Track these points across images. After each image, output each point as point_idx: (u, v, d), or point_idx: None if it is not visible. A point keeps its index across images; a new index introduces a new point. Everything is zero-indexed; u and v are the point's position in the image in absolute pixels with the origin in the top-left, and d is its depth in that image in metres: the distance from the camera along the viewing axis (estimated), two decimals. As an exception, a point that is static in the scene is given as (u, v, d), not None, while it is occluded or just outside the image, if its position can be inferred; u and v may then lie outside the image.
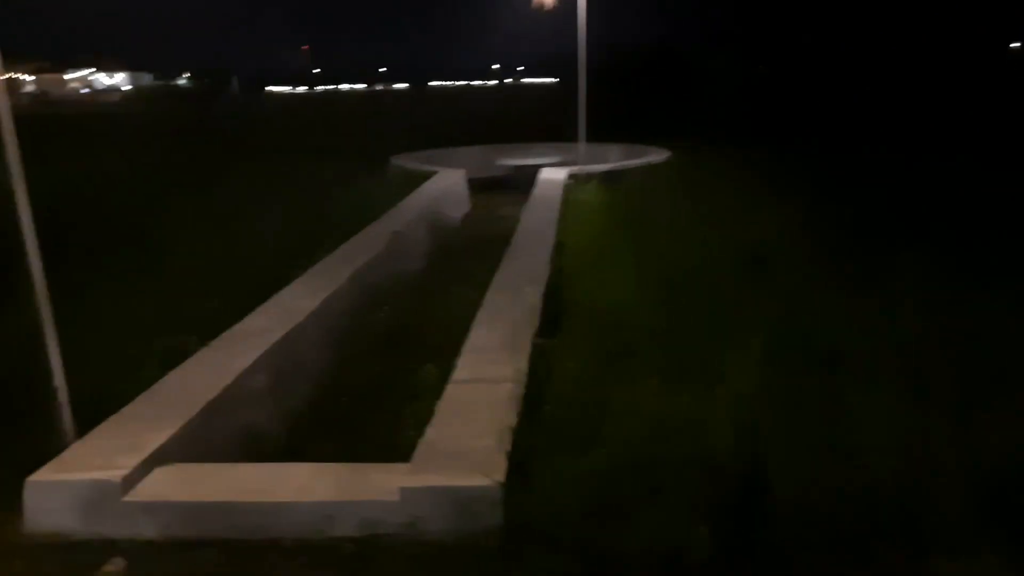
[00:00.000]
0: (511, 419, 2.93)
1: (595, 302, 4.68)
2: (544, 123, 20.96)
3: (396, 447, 3.19)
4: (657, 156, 10.90)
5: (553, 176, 9.51)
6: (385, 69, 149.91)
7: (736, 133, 15.78)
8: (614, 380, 3.31)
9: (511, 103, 39.63)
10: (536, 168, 11.12)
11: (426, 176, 9.81)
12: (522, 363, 3.53)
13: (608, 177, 9.70)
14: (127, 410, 3.12)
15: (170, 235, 6.54)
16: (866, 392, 3.01)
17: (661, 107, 20.51)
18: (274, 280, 5.20)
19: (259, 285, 5.07)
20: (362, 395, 3.99)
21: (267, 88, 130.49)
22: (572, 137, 15.44)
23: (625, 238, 6.41)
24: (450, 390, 3.30)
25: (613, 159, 12.00)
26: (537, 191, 8.41)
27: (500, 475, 2.52)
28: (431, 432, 2.91)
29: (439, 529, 2.47)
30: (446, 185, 8.94)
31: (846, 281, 4.90)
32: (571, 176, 9.70)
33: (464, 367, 3.56)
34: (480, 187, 11.39)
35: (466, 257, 6.74)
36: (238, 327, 4.07)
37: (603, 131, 13.61)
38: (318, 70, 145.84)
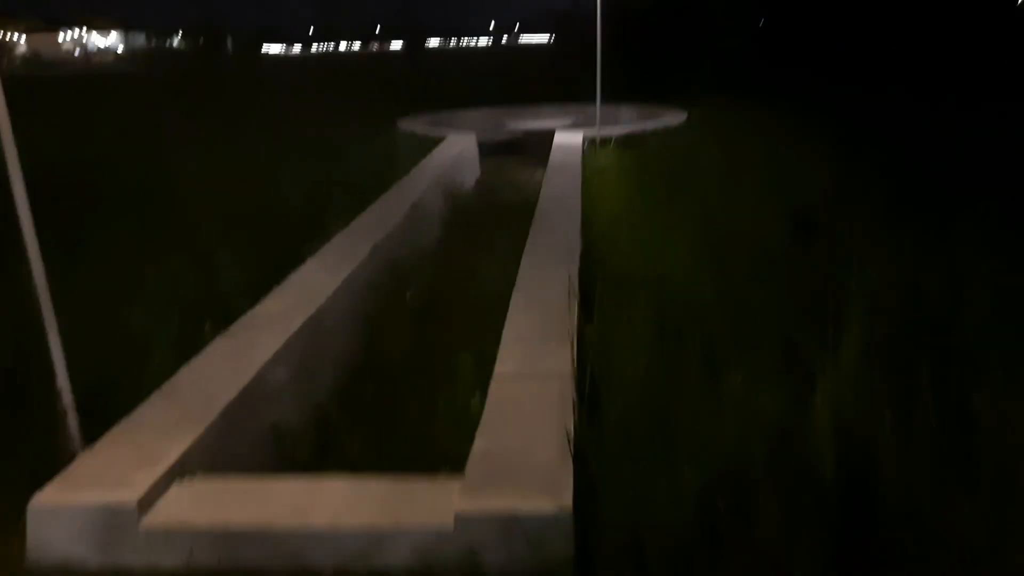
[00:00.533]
0: (570, 423, 2.61)
1: (638, 278, 4.35)
2: (547, 82, 20.52)
3: (437, 447, 2.90)
4: (674, 117, 10.49)
5: (568, 140, 9.12)
6: (380, 28, 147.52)
7: (749, 88, 15.35)
8: (679, 373, 2.99)
9: (512, 62, 38.86)
10: (547, 132, 10.72)
11: (435, 141, 9.41)
12: (570, 353, 3.21)
13: (626, 141, 9.30)
14: (139, 413, 2.81)
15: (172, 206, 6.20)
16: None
17: (667, 63, 19.95)
18: (287, 254, 4.89)
19: (272, 260, 4.76)
20: (395, 386, 3.67)
21: (264, 46, 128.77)
22: (577, 97, 15.05)
23: (657, 206, 6.06)
24: (496, 388, 2.99)
25: (627, 121, 11.58)
26: (554, 157, 8.03)
27: (568, 496, 2.21)
28: (482, 440, 2.59)
29: (500, 561, 2.16)
30: (457, 151, 8.53)
31: (913, 245, 4.57)
32: (587, 140, 9.31)
33: (507, 358, 3.23)
34: (489, 151, 10.99)
35: (487, 227, 6.38)
36: (256, 311, 3.74)
37: (606, 89, 13.18)
38: (313, 28, 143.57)
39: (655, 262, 4.66)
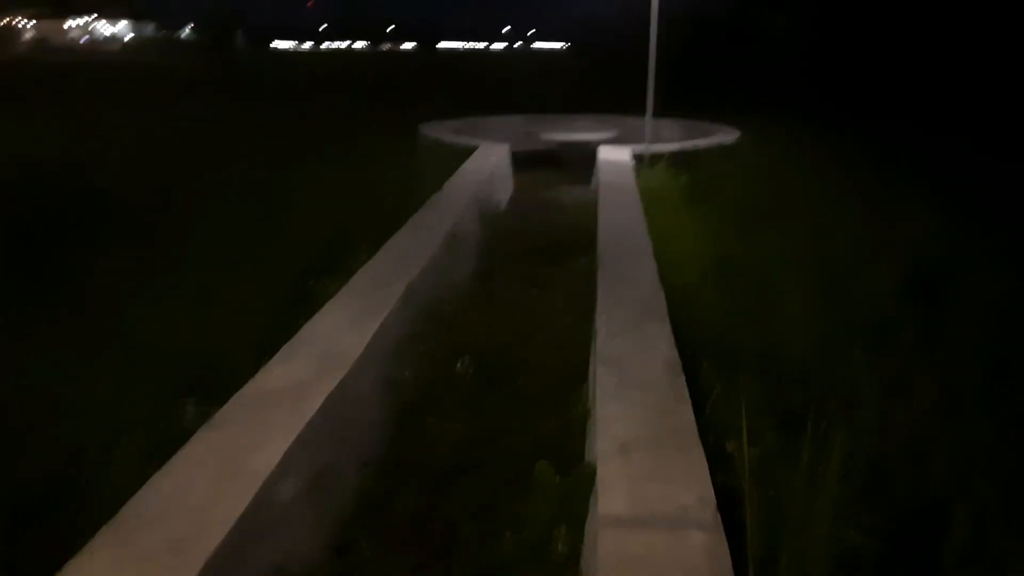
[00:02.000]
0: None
1: (748, 351, 3.40)
2: (570, 92, 19.60)
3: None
4: (726, 135, 9.52)
5: (615, 157, 8.15)
6: (393, 27, 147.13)
7: (799, 106, 14.41)
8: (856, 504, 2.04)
9: (528, 69, 38.01)
10: (586, 144, 9.76)
11: (465, 151, 8.45)
12: (704, 476, 2.26)
13: (679, 159, 8.34)
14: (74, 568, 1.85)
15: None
16: None
17: (711, 76, 19.04)
18: (298, 294, 3.94)
19: (279, 302, 3.81)
20: (443, 499, 2.72)
21: (274, 43, 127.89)
22: (600, 107, 14.11)
23: (740, 245, 5.11)
24: (606, 541, 2.02)
25: (673, 137, 10.63)
26: (603, 176, 7.06)
27: None
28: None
29: None
30: (492, 163, 7.57)
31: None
32: (635, 156, 8.36)
33: (611, 487, 2.26)
34: (521, 163, 10.06)
35: (540, 261, 5.43)
36: (254, 384, 2.78)
37: (635, 101, 12.20)
38: (325, 26, 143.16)
39: (763, 327, 3.71)
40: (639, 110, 11.48)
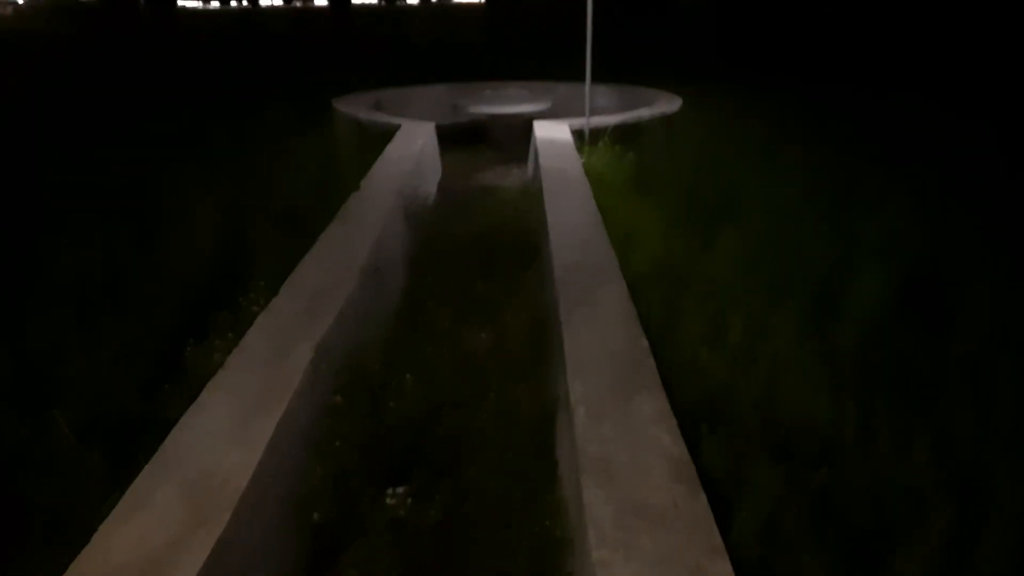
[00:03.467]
0: None
1: (750, 405, 2.69)
2: (492, 52, 18.56)
3: None
4: (669, 104, 8.76)
5: (553, 135, 7.31)
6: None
7: (735, 66, 13.73)
8: None
9: (450, 27, 36.62)
10: (517, 117, 8.89)
11: (385, 132, 7.49)
12: None
13: (622, 134, 7.56)
14: None
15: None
16: None
17: (632, 31, 18.22)
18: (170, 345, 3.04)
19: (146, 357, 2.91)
20: None
21: (181, 3, 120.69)
22: (532, 71, 13.19)
23: (712, 250, 4.36)
24: None
25: (610, 105, 9.83)
26: (544, 160, 6.22)
27: None
28: None
29: None
30: (416, 149, 6.64)
31: None
32: (574, 132, 7.54)
33: None
34: (448, 139, 9.15)
35: (473, 274, 4.58)
36: (92, 553, 1.90)
37: (560, 61, 11.32)
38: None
39: (761, 369, 2.99)
40: (566, 72, 10.62)
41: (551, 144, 6.81)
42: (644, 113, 8.19)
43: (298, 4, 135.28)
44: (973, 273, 4.01)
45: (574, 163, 6.13)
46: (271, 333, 3.03)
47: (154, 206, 5.07)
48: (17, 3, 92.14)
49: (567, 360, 2.84)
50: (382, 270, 4.22)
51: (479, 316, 3.97)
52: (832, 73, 12.87)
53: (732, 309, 3.58)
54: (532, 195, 5.93)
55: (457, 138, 9.24)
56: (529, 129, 7.92)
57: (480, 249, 5.02)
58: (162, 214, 4.86)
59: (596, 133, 7.54)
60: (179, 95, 10.94)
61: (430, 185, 6.75)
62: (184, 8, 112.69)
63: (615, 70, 10.53)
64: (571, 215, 4.71)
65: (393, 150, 6.39)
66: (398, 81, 11.57)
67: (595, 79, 7.76)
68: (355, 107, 8.72)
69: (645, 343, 2.96)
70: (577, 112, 9.16)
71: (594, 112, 8.06)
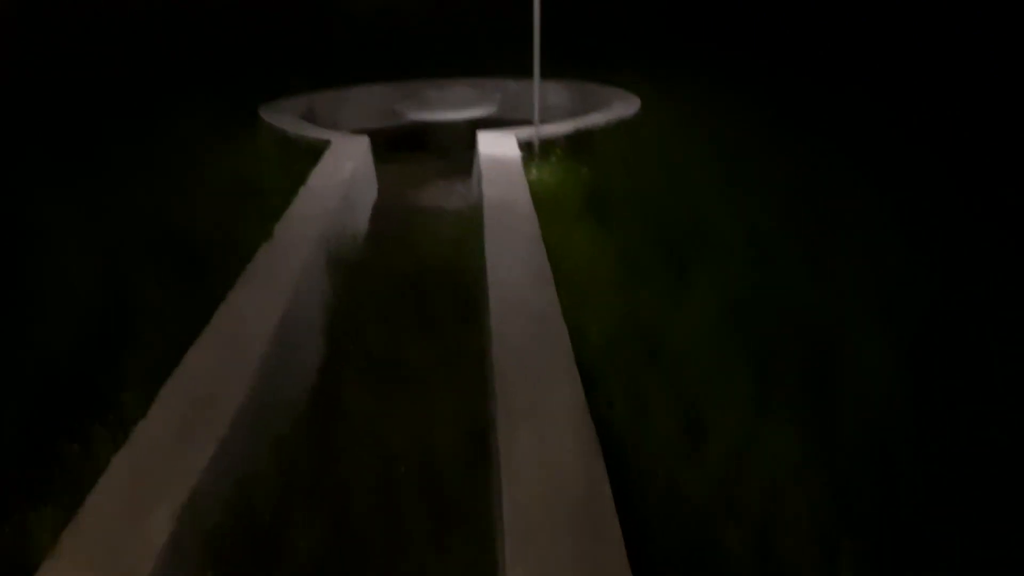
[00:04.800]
0: None
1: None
2: (437, 34, 17.71)
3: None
4: (625, 107, 8.15)
5: (499, 150, 6.66)
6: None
7: (695, 42, 13.09)
8: None
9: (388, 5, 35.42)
10: (459, 124, 8.22)
11: (314, 148, 6.78)
12: None
13: (575, 144, 6.95)
14: None
15: None
16: None
17: (584, 14, 17.46)
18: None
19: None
20: None
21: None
22: (489, 53, 12.44)
23: (697, 306, 3.77)
24: None
25: (562, 105, 9.21)
26: (487, 187, 5.58)
27: None
28: None
29: None
30: (347, 172, 5.95)
31: None
32: (522, 145, 6.90)
33: None
34: (387, 146, 8.47)
35: (400, 332, 3.96)
36: None
37: (516, 39, 10.65)
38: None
39: (753, 504, 2.44)
40: (520, 55, 9.90)
41: (496, 164, 6.17)
42: (598, 119, 7.58)
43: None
44: (993, 321, 3.50)
45: (521, 189, 5.51)
46: (124, 488, 2.38)
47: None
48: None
49: (505, 516, 2.25)
50: (291, 346, 3.59)
51: (406, 405, 3.35)
52: (806, 56, 12.34)
53: (710, 395, 3.02)
54: (474, 226, 5.32)
55: (398, 145, 8.56)
56: (472, 137, 7.28)
57: (414, 299, 4.39)
58: (14, 266, 4.13)
59: (546, 144, 6.93)
60: (78, 79, 9.95)
61: (362, 211, 6.08)
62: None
63: (569, 53, 9.86)
64: (515, 267, 4.10)
65: (318, 179, 5.69)
66: (343, 69, 10.79)
67: (547, 71, 7.09)
68: (283, 116, 7.97)
69: (607, 488, 2.36)
70: (528, 113, 8.53)
71: (545, 115, 7.43)
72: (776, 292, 3.84)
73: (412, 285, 4.46)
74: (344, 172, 5.85)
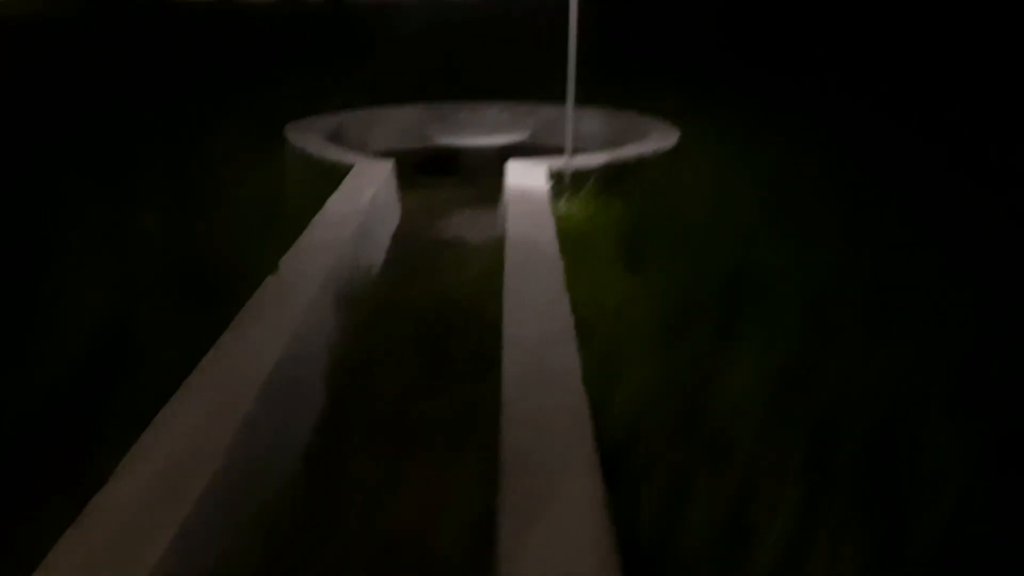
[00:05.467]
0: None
1: None
2: (482, 52, 17.52)
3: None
4: (664, 137, 7.77)
5: (528, 181, 6.30)
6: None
7: (739, 66, 12.68)
8: None
9: (441, 22, 35.50)
10: (489, 150, 7.90)
11: (338, 169, 6.49)
12: None
13: (609, 177, 6.58)
14: None
15: None
16: None
17: (623, 39, 17.17)
18: None
19: None
20: None
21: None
22: (525, 72, 12.15)
23: (746, 377, 3.34)
24: None
25: (596, 133, 8.85)
26: (511, 220, 5.23)
27: None
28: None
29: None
30: (365, 199, 5.64)
31: None
32: (553, 175, 6.54)
33: None
34: (415, 169, 8.18)
35: (411, 385, 3.61)
36: None
37: (554, 59, 10.36)
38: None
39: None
40: (556, 85, 9.59)
41: (522, 197, 5.81)
42: (635, 150, 7.20)
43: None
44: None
45: (547, 227, 5.14)
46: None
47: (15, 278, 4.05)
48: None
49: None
50: (284, 400, 3.24)
51: (411, 478, 2.99)
52: (857, 80, 11.85)
53: (759, 484, 2.61)
54: (496, 265, 4.97)
55: (426, 168, 8.27)
56: (504, 159, 6.95)
57: (428, 346, 4.04)
58: (22, 293, 3.85)
59: (578, 176, 6.56)
60: (119, 105, 9.82)
61: (380, 241, 5.75)
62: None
63: (605, 78, 9.49)
64: (534, 321, 3.71)
65: (335, 206, 5.38)
66: (381, 87, 10.59)
67: (583, 97, 6.73)
68: (310, 136, 7.70)
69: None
70: (561, 138, 8.21)
71: (579, 143, 7.08)
72: (834, 361, 3.41)
73: (427, 330, 4.11)
74: (364, 198, 5.54)
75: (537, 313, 3.75)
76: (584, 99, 6.70)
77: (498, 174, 6.97)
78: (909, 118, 9.00)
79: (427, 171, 8.27)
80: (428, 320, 4.26)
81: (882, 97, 10.42)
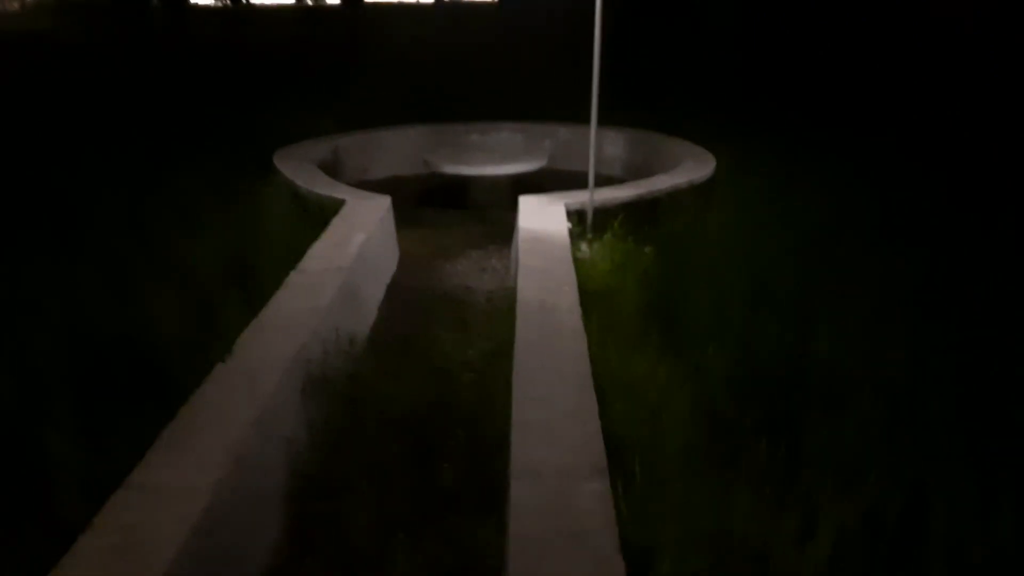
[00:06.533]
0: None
1: None
2: (495, 61, 16.77)
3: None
4: (699, 167, 6.89)
5: (544, 222, 5.44)
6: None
7: (770, 98, 11.77)
8: None
9: (461, 30, 34.89)
10: (501, 179, 7.08)
11: (326, 209, 5.68)
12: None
13: (637, 215, 5.72)
14: None
15: None
16: None
17: (646, 56, 16.33)
18: None
19: None
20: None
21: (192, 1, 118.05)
22: (540, 87, 11.43)
23: (829, 531, 2.48)
24: None
25: (618, 157, 8.01)
26: (524, 279, 4.37)
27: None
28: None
29: None
30: (356, 245, 4.81)
31: None
32: (572, 215, 5.70)
33: None
34: (418, 199, 7.42)
35: (391, 509, 2.79)
36: None
37: (569, 73, 9.54)
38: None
39: None
40: (574, 101, 8.75)
41: (538, 244, 4.95)
42: (666, 183, 6.33)
43: (310, 2, 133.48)
44: None
45: (566, 283, 4.29)
46: None
47: None
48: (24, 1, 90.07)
49: None
50: (225, 536, 2.42)
51: None
52: (888, 110, 10.93)
53: None
54: (508, 307, 4.15)
55: (431, 198, 7.47)
56: (518, 188, 6.14)
57: (416, 460, 3.20)
58: None
59: (602, 214, 5.71)
60: (99, 136, 9.08)
61: (369, 299, 4.92)
62: (196, 5, 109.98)
63: (626, 100, 8.61)
64: (552, 434, 2.87)
65: (314, 262, 4.54)
66: (385, 102, 9.86)
67: (602, 116, 5.86)
68: (299, 166, 6.90)
69: None
70: (580, 163, 7.39)
71: (600, 166, 6.21)
72: (941, 506, 2.54)
73: (415, 439, 3.27)
74: (350, 249, 4.72)
75: (557, 424, 2.90)
76: (603, 117, 5.83)
77: (510, 205, 6.16)
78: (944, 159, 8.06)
79: (432, 201, 7.47)
80: (418, 422, 3.42)
81: (910, 128, 9.50)
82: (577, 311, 3.91)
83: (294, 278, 4.24)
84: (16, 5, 75.75)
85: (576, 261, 4.83)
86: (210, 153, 7.81)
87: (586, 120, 5.70)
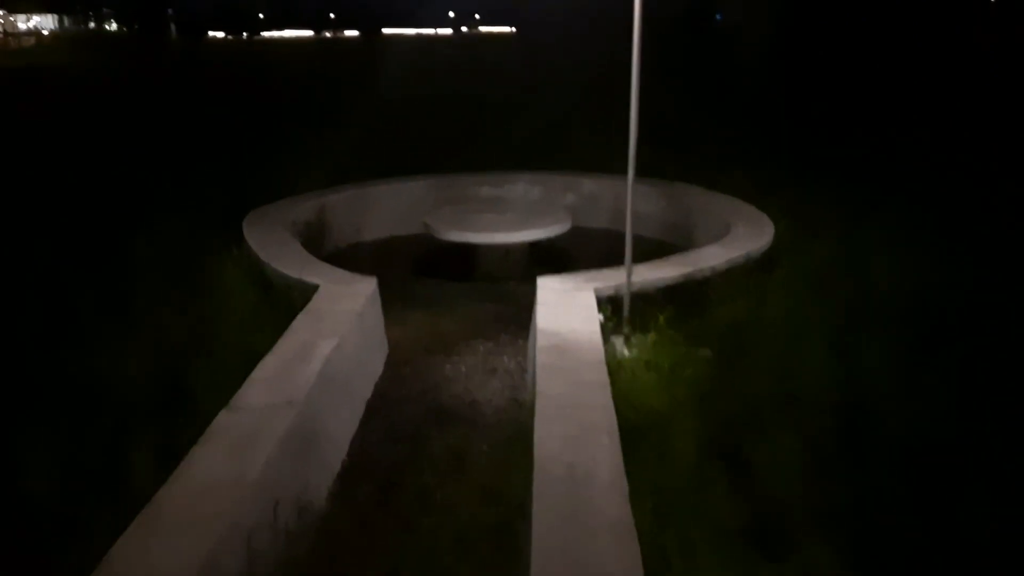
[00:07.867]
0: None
1: None
2: (518, 95, 15.84)
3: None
4: (754, 236, 5.65)
5: (567, 320, 4.19)
6: (334, 16, 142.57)
7: (809, 138, 10.56)
8: None
9: (477, 60, 34.14)
10: (514, 249, 5.91)
11: (293, 295, 4.54)
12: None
13: (685, 302, 4.51)
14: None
15: None
16: None
17: (682, 92, 15.23)
18: None
19: None
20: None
21: (209, 33, 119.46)
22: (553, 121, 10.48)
23: None
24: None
25: (652, 213, 6.81)
26: (542, 417, 3.14)
27: None
28: None
29: None
30: (320, 358, 3.61)
31: None
32: (603, 302, 4.48)
33: None
34: (410, 264, 6.30)
35: None
36: None
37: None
38: (261, 15, 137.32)
39: None
40: (593, 137, 7.65)
41: (562, 359, 3.71)
42: (718, 256, 5.09)
43: (328, 34, 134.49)
44: None
45: (605, 434, 3.06)
46: None
47: None
48: (41, 33, 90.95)
49: None
50: None
51: None
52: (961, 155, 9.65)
53: None
54: (525, 435, 2.95)
55: (433, 265, 6.33)
56: (534, 253, 4.97)
57: None
58: None
59: (640, 300, 4.50)
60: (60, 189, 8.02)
61: (339, 425, 3.73)
62: (214, 38, 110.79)
63: (651, 142, 7.45)
64: None
65: (254, 394, 3.31)
66: (390, 144, 8.85)
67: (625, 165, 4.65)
68: (269, 233, 5.74)
69: None
70: (607, 220, 6.26)
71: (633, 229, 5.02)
72: None
73: None
74: (312, 365, 3.52)
75: None
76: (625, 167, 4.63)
77: (527, 276, 5.01)
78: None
79: (433, 270, 6.31)
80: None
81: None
82: (621, 484, 2.68)
83: (223, 421, 3.05)
84: (32, 40, 76.18)
85: (612, 373, 3.63)
86: (184, 211, 6.74)
87: (609, 167, 4.53)
